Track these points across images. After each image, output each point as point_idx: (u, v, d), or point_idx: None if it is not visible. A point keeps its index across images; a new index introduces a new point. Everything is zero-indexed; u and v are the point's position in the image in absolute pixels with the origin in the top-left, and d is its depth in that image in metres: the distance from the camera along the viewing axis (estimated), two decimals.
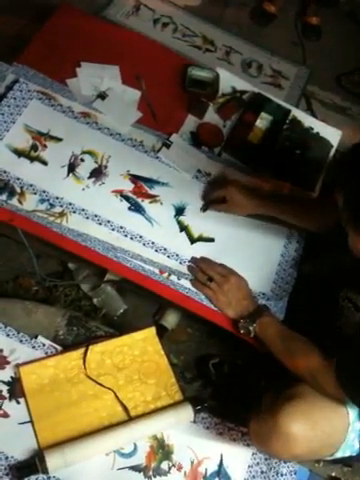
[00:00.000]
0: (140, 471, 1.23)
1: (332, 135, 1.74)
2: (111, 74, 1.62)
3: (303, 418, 1.08)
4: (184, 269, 1.39)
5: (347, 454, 1.15)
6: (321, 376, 1.10)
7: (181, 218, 1.46)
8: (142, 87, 1.64)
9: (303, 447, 1.08)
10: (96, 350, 1.34)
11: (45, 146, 1.45)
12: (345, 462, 1.33)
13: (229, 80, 1.77)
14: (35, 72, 1.55)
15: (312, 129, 1.74)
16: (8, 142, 1.42)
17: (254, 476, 1.27)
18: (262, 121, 1.68)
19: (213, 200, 1.46)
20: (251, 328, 1.27)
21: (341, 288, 1.29)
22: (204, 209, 1.48)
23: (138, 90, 1.63)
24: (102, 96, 1.57)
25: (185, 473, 1.25)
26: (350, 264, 1.14)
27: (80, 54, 1.63)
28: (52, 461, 1.15)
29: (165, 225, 1.44)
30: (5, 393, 1.24)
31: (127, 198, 1.45)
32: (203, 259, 1.41)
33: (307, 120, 1.76)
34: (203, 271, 1.37)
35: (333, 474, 1.35)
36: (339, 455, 1.15)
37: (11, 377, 1.26)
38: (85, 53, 1.63)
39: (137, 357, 1.36)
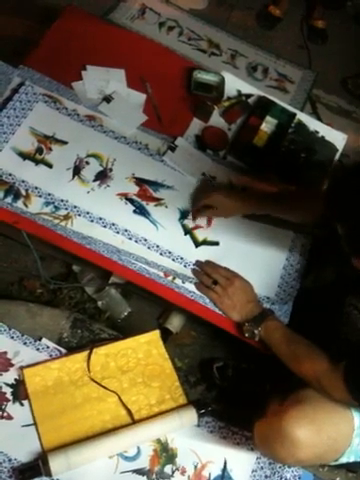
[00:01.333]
0: (143, 474, 1.23)
1: (337, 139, 1.74)
2: (116, 77, 1.63)
3: (308, 423, 1.07)
4: (189, 272, 1.39)
5: (352, 459, 1.14)
6: (327, 380, 1.10)
7: (186, 221, 1.46)
8: (147, 90, 1.64)
9: (308, 452, 1.07)
10: (100, 353, 1.34)
11: (50, 149, 1.46)
12: (350, 467, 1.32)
13: (234, 84, 1.77)
14: (41, 75, 1.55)
15: (317, 133, 1.73)
16: (13, 145, 1.43)
17: None
18: (267, 125, 1.68)
19: (198, 209, 1.45)
20: (256, 332, 1.27)
21: (345, 294, 1.29)
22: (193, 218, 1.47)
23: (143, 93, 1.64)
24: (107, 99, 1.58)
25: (189, 477, 1.25)
26: (353, 273, 1.14)
27: (86, 57, 1.63)
28: (55, 463, 1.15)
29: (170, 228, 1.44)
30: (9, 395, 1.25)
31: (132, 201, 1.45)
32: (208, 262, 1.41)
33: (312, 124, 1.76)
34: (208, 274, 1.37)
35: (337, 479, 1.34)
36: (344, 460, 1.14)
37: (15, 379, 1.27)
38: (91, 56, 1.64)
39: (141, 360, 1.36)
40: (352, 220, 0.95)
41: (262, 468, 1.29)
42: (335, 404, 1.11)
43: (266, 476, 1.28)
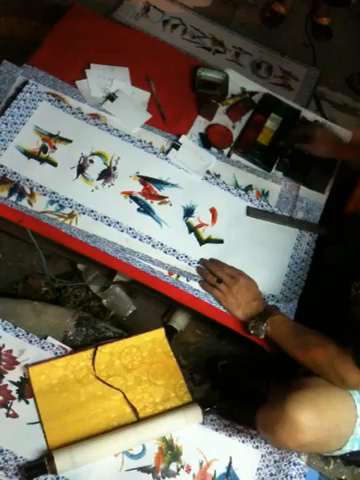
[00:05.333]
0: (149, 472, 1.23)
1: (342, 136, 1.73)
2: (120, 75, 1.63)
3: (310, 406, 1.07)
4: (193, 270, 1.39)
5: (356, 448, 1.14)
6: (340, 366, 1.10)
7: (190, 219, 1.46)
8: (151, 88, 1.64)
9: (310, 436, 1.07)
10: (105, 351, 1.34)
11: (55, 147, 1.46)
12: (357, 462, 1.32)
13: (239, 81, 1.76)
14: (45, 74, 1.56)
15: None
16: (18, 143, 1.43)
17: (263, 478, 1.27)
18: (272, 122, 1.68)
19: (298, 136, 1.55)
20: (262, 328, 1.27)
21: (352, 278, 1.28)
22: (287, 144, 1.59)
23: (147, 91, 1.63)
24: (111, 97, 1.57)
25: (194, 475, 1.25)
26: None
27: (90, 56, 1.63)
28: (61, 461, 1.15)
29: (174, 226, 1.44)
30: (14, 393, 1.25)
31: (136, 199, 1.45)
32: (212, 260, 1.41)
33: (317, 121, 1.75)
34: (212, 272, 1.37)
35: (343, 477, 1.34)
36: (348, 449, 1.14)
37: (20, 377, 1.27)
38: (94, 55, 1.64)
39: (146, 358, 1.36)
40: None
41: (267, 466, 1.28)
42: (337, 391, 1.11)
43: (271, 474, 1.28)
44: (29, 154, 1.43)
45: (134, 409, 1.28)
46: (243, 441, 1.30)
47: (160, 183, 1.49)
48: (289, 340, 1.23)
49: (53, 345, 1.33)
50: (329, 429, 1.09)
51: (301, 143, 1.56)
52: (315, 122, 1.72)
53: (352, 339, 1.10)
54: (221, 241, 1.45)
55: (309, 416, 1.06)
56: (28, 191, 1.38)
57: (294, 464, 1.28)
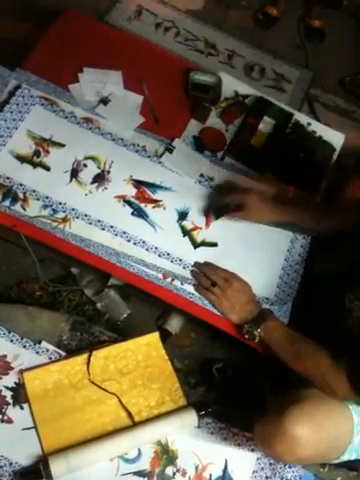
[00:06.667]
0: (144, 476, 1.23)
1: (335, 138, 1.74)
2: (113, 79, 1.63)
3: (308, 421, 1.07)
4: (187, 274, 1.39)
5: (353, 457, 1.14)
6: (331, 377, 1.10)
7: (184, 223, 1.46)
8: (144, 92, 1.64)
9: (308, 450, 1.07)
10: (100, 355, 1.34)
11: (48, 152, 1.46)
12: (351, 466, 1.32)
13: (231, 84, 1.77)
14: (37, 78, 1.56)
15: (315, 133, 1.73)
16: (11, 148, 1.43)
17: None
18: (265, 125, 1.68)
19: (227, 205, 1.44)
20: (256, 333, 1.27)
21: (346, 289, 1.28)
22: (218, 214, 1.45)
23: (140, 95, 1.63)
24: (104, 101, 1.57)
25: (189, 478, 1.25)
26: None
27: (82, 59, 1.64)
28: (56, 466, 1.15)
29: (168, 230, 1.44)
30: (9, 399, 1.25)
31: (130, 203, 1.45)
32: (206, 264, 1.41)
33: (310, 124, 1.76)
34: (206, 276, 1.37)
35: (338, 479, 1.34)
36: (345, 458, 1.14)
37: (15, 383, 1.27)
38: (87, 58, 1.64)
39: (141, 362, 1.35)
40: None
41: (263, 469, 1.28)
42: (334, 402, 1.11)
43: (267, 477, 1.28)
44: (22, 158, 1.43)
45: (129, 413, 1.28)
46: (238, 444, 1.30)
47: (154, 186, 1.49)
48: (282, 347, 1.23)
49: (47, 350, 1.32)
50: (327, 442, 1.09)
51: (232, 212, 1.45)
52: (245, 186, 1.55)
53: (346, 352, 1.09)
54: (215, 244, 1.45)
55: (308, 431, 1.06)
56: (21, 196, 1.38)
57: (289, 466, 1.28)
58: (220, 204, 1.46)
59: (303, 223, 1.45)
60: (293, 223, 1.46)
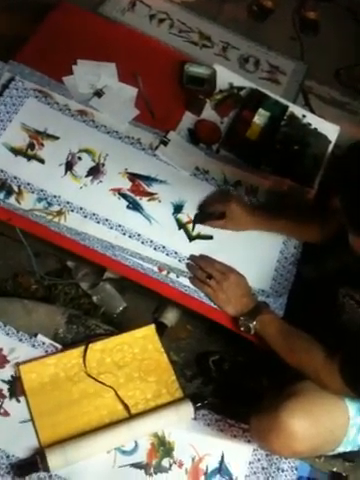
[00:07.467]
0: (141, 468, 1.24)
1: (330, 131, 1.73)
2: (107, 71, 1.62)
3: (305, 415, 1.08)
4: (183, 267, 1.39)
5: (349, 449, 1.15)
6: (324, 372, 1.10)
7: (179, 216, 1.46)
8: (139, 84, 1.64)
9: (304, 444, 1.08)
10: (96, 348, 1.34)
11: (42, 145, 1.45)
12: (346, 457, 1.33)
13: (226, 76, 1.76)
14: (31, 70, 1.54)
15: (310, 125, 1.73)
16: (5, 141, 1.42)
17: (255, 472, 1.28)
18: (260, 117, 1.68)
19: (210, 214, 1.44)
20: (251, 325, 1.28)
21: (340, 285, 1.29)
22: (197, 222, 1.45)
23: (135, 87, 1.62)
24: (99, 94, 1.57)
25: (186, 470, 1.26)
26: (352, 263, 1.15)
27: (76, 52, 1.62)
28: (53, 459, 1.15)
29: (163, 223, 1.43)
30: (5, 392, 1.25)
31: (125, 196, 1.44)
32: (202, 257, 1.41)
33: (305, 116, 1.75)
34: (202, 269, 1.37)
35: (334, 469, 1.35)
36: (341, 450, 1.15)
37: (11, 376, 1.27)
38: (81, 51, 1.62)
39: (137, 355, 1.36)
40: (350, 191, 0.97)
41: (259, 460, 1.29)
42: (331, 396, 1.11)
43: (263, 468, 1.29)
44: (16, 151, 1.42)
45: (126, 406, 1.28)
46: (235, 435, 1.31)
47: (149, 179, 1.48)
48: (277, 341, 1.23)
49: (44, 343, 1.33)
50: (323, 435, 1.10)
51: (212, 220, 1.44)
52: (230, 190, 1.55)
53: (339, 348, 1.10)
54: (210, 237, 1.45)
55: (304, 425, 1.07)
56: (16, 189, 1.37)
57: (285, 457, 1.29)
58: (204, 213, 1.46)
59: (284, 233, 1.47)
60: (275, 233, 1.46)
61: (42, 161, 1.43)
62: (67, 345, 1.35)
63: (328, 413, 1.10)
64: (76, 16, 1.72)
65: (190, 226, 1.45)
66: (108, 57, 1.64)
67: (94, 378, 1.30)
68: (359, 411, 1.13)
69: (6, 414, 1.23)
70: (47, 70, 1.56)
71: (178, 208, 1.47)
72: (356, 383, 1.06)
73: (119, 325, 1.45)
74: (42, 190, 1.38)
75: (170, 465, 1.25)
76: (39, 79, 1.54)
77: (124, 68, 1.64)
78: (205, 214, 1.46)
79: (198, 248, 1.42)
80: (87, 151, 1.48)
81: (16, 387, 1.26)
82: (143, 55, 1.70)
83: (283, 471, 1.28)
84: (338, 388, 1.09)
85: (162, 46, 1.86)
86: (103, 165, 1.47)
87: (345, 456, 1.32)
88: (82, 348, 1.33)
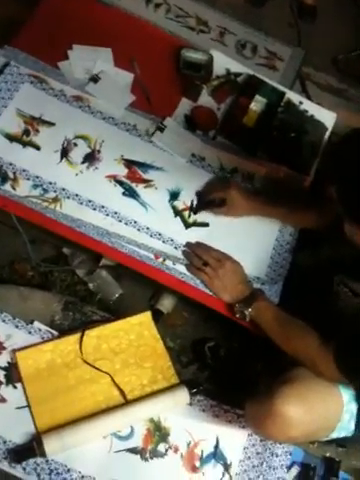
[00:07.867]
0: (137, 453, 1.25)
1: (327, 118, 1.72)
2: (103, 57, 1.60)
3: (299, 401, 1.09)
4: (179, 254, 1.39)
5: (342, 435, 1.17)
6: (319, 359, 1.11)
7: (176, 203, 1.46)
8: (135, 70, 1.62)
9: (299, 430, 1.09)
10: (92, 335, 1.34)
11: (37, 131, 1.44)
12: (339, 442, 1.35)
13: (223, 62, 1.74)
14: (26, 55, 1.52)
15: (307, 112, 1.72)
16: (0, 127, 1.41)
17: (250, 457, 1.29)
18: (257, 104, 1.67)
19: (211, 202, 1.44)
20: (246, 312, 1.28)
21: (335, 273, 1.30)
22: (197, 209, 1.45)
23: (131, 73, 1.61)
24: (94, 79, 1.55)
25: (182, 455, 1.27)
26: (347, 252, 1.15)
27: (72, 37, 1.60)
28: (50, 445, 1.16)
29: (160, 210, 1.43)
30: (2, 378, 1.26)
31: (121, 183, 1.44)
32: (198, 244, 1.41)
33: (302, 103, 1.75)
34: (198, 256, 1.37)
35: (327, 454, 1.37)
36: (334, 436, 1.17)
37: (8, 362, 1.27)
38: (77, 36, 1.60)
39: (133, 341, 1.36)
40: (346, 181, 0.97)
41: (254, 445, 1.31)
42: (325, 382, 1.12)
43: (257, 453, 1.30)
44: (11, 137, 1.41)
45: (122, 392, 1.29)
46: (230, 421, 1.32)
47: (145, 166, 1.48)
48: (272, 328, 1.24)
49: (40, 330, 1.33)
50: (318, 421, 1.11)
51: (213, 208, 1.44)
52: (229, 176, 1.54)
53: (334, 336, 1.10)
54: (207, 224, 1.45)
55: (298, 411, 1.08)
56: (11, 175, 1.36)
57: (280, 442, 1.31)
58: (204, 200, 1.45)
59: (283, 220, 1.47)
60: (274, 219, 1.46)
61: (37, 147, 1.42)
62: (63, 332, 1.35)
63: (322, 399, 1.12)
64: (72, 1, 1.69)
65: (186, 213, 1.45)
66: (104, 42, 1.62)
67: (90, 364, 1.30)
68: (353, 398, 1.14)
69: (3, 400, 1.23)
70: (42, 55, 1.54)
71: (174, 195, 1.47)
72: (350, 370, 1.07)
73: (115, 312, 1.45)
74: (37, 177, 1.37)
75: (166, 450, 1.27)
76: (34, 64, 1.52)
77: (120, 53, 1.62)
78: (205, 201, 1.46)
79: (194, 235, 1.42)
80: (83, 137, 1.47)
81: (13, 373, 1.26)
82: (139, 40, 1.68)
83: (277, 456, 1.30)
84: (332, 375, 1.10)
85: (159, 31, 1.84)
86: (99, 151, 1.46)
87: (338, 442, 1.33)
88: (78, 335, 1.33)
